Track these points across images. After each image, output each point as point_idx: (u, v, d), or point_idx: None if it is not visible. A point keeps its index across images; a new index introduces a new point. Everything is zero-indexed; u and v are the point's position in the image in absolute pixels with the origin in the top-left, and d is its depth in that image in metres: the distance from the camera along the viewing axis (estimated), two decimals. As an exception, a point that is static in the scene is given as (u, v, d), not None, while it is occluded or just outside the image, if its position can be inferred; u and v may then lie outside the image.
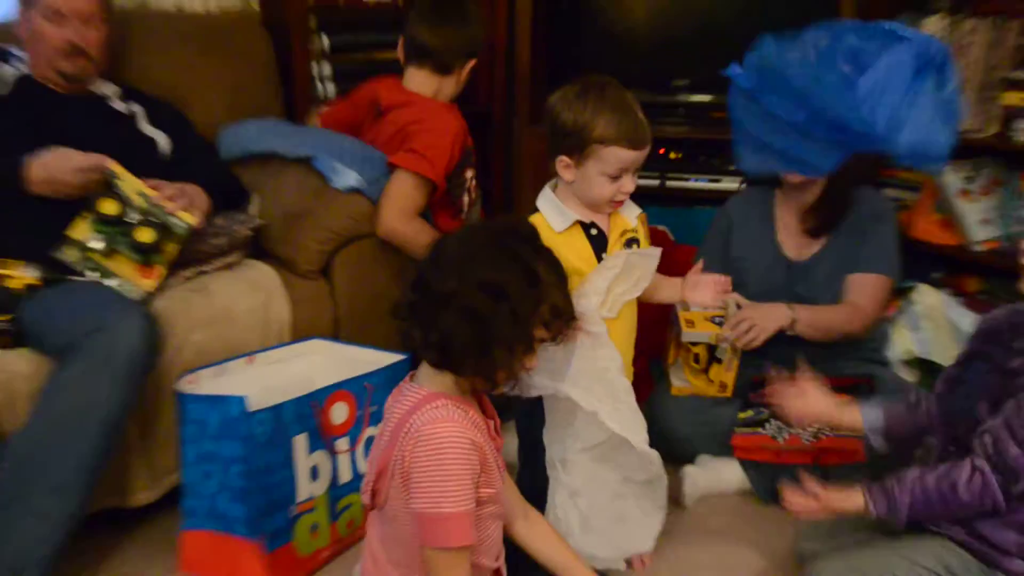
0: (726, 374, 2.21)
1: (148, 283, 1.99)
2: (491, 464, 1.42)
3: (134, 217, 1.96)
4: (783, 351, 2.24)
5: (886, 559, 1.71)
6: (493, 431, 1.49)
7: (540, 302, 1.37)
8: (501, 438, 1.53)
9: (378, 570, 1.49)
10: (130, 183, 1.97)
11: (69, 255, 1.95)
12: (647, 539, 1.92)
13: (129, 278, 1.98)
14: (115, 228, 1.95)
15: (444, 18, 2.39)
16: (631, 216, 1.87)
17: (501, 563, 1.54)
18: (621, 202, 1.82)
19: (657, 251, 1.85)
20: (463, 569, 1.39)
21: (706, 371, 2.23)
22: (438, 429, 1.35)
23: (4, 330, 1.83)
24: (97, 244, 1.95)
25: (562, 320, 1.41)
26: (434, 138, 2.28)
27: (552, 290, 1.39)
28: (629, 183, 1.77)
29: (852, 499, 1.68)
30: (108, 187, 1.96)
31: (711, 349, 2.19)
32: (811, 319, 2.22)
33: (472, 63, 2.46)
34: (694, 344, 2.19)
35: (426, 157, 2.27)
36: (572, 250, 1.78)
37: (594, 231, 1.82)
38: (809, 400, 1.84)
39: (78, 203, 1.94)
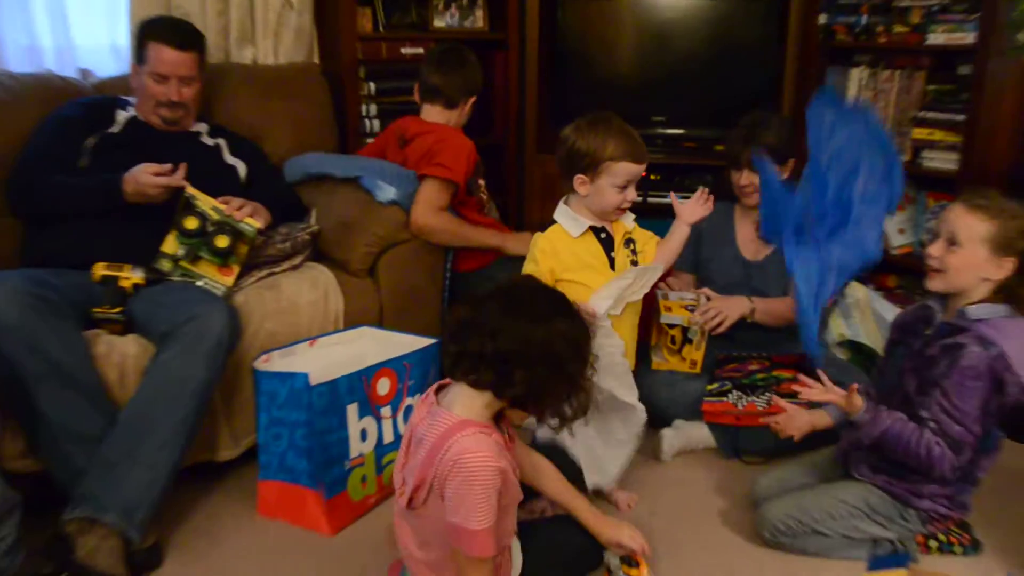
0: (696, 353, 2.20)
1: (228, 280, 2.00)
2: (511, 480, 1.36)
3: (211, 228, 1.96)
4: (743, 335, 2.24)
5: (820, 499, 1.75)
6: (508, 439, 1.44)
7: (589, 338, 1.35)
8: (515, 440, 1.49)
9: (409, 543, 1.46)
10: (204, 200, 1.98)
11: (163, 266, 1.96)
12: (609, 474, 1.85)
13: (212, 277, 1.98)
14: (197, 239, 1.96)
15: (448, 65, 2.44)
16: (629, 221, 1.90)
17: (514, 534, 1.50)
18: (625, 210, 1.83)
19: (660, 266, 1.87)
20: (487, 571, 1.36)
21: (680, 351, 2.23)
22: (469, 459, 1.29)
23: (118, 320, 1.84)
24: (184, 254, 1.96)
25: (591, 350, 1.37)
26: (454, 152, 2.32)
27: (588, 328, 1.36)
28: (632, 192, 1.80)
29: (853, 400, 1.68)
30: (188, 207, 1.96)
31: (684, 331, 2.19)
32: (766, 308, 2.24)
33: (473, 99, 2.49)
34: (671, 326, 2.19)
35: (448, 166, 2.30)
36: (587, 250, 1.83)
37: (603, 234, 1.85)
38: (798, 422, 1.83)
39: (170, 219, 1.95)
